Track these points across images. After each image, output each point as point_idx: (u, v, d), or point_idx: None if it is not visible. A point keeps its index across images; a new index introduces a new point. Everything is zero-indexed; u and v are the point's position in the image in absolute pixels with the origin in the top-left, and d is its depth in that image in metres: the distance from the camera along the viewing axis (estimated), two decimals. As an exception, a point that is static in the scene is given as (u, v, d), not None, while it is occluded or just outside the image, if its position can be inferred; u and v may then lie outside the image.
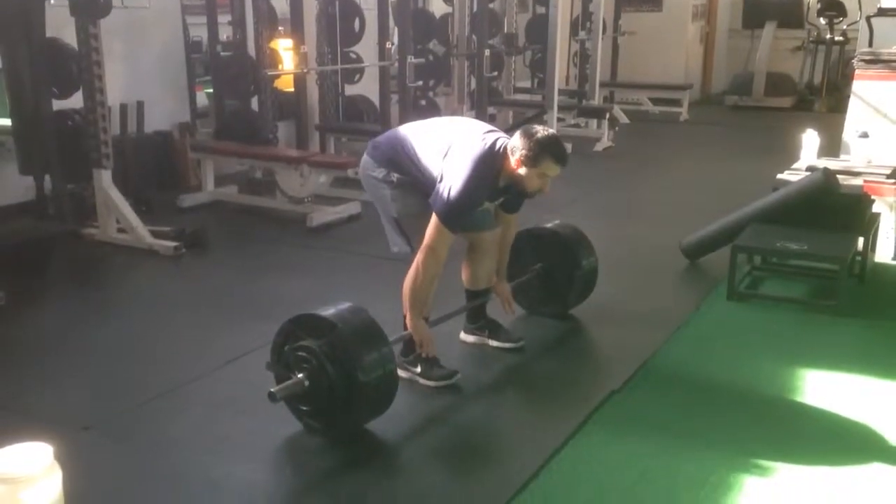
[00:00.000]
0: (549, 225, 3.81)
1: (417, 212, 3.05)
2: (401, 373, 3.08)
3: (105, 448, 2.76)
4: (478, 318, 3.50)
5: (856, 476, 2.59)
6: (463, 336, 3.53)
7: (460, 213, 2.93)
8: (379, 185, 3.14)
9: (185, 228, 4.96)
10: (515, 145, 2.90)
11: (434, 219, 2.92)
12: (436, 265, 2.95)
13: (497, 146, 2.95)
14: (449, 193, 2.88)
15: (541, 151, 2.87)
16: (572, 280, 3.69)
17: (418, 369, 3.14)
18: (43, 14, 4.82)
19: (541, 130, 2.92)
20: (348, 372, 2.61)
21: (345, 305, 2.77)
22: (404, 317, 3.13)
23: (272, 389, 2.64)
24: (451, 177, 2.90)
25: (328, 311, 2.71)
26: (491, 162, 2.92)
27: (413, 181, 3.06)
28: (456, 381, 3.13)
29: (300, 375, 2.66)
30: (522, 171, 2.91)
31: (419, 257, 2.96)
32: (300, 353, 2.67)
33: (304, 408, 2.74)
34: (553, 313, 3.77)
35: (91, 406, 3.04)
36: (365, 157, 3.22)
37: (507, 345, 3.46)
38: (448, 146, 2.96)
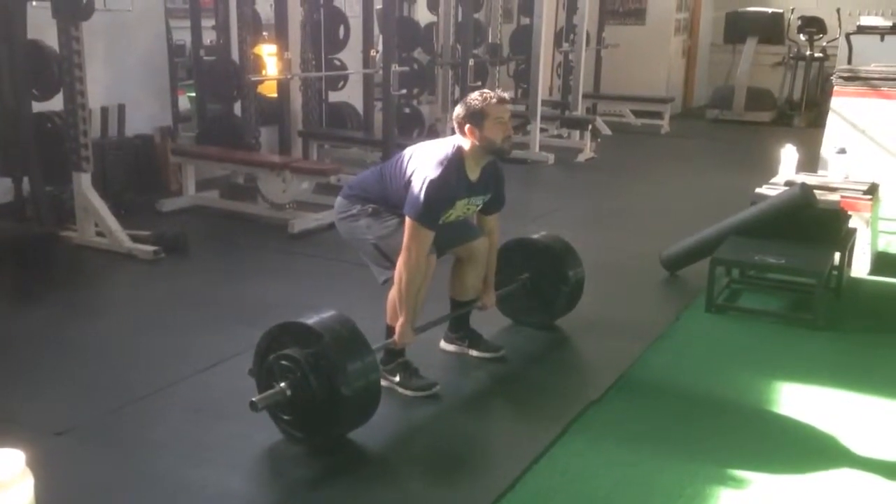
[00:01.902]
0: (536, 235, 3.82)
1: (393, 231, 3.05)
2: (382, 382, 3.08)
3: (79, 454, 2.73)
4: (460, 328, 3.50)
5: (830, 486, 2.62)
6: (443, 345, 3.53)
7: (433, 209, 2.92)
8: (353, 221, 3.16)
9: (165, 233, 4.93)
10: (459, 123, 3.00)
11: (408, 221, 2.92)
12: (416, 268, 2.94)
13: (453, 140, 3.04)
14: (419, 191, 2.90)
15: (478, 104, 2.96)
16: (559, 291, 3.70)
17: (397, 378, 3.13)
18: (24, 16, 4.79)
19: (468, 96, 3.04)
20: (332, 384, 2.59)
21: (331, 314, 2.75)
22: (387, 326, 3.13)
23: (254, 399, 2.63)
24: (418, 178, 2.93)
25: (314, 320, 2.69)
26: (453, 155, 2.98)
27: (386, 207, 3.10)
28: (435, 392, 3.12)
29: (283, 385, 2.64)
30: (478, 133, 2.96)
31: (399, 261, 2.97)
32: (284, 363, 2.65)
33: (286, 417, 2.72)
34: (538, 324, 3.77)
35: (65, 411, 3.00)
36: (338, 201, 3.25)
37: (487, 354, 3.47)
38: (414, 164, 3.01)
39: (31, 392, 3.15)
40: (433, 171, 2.92)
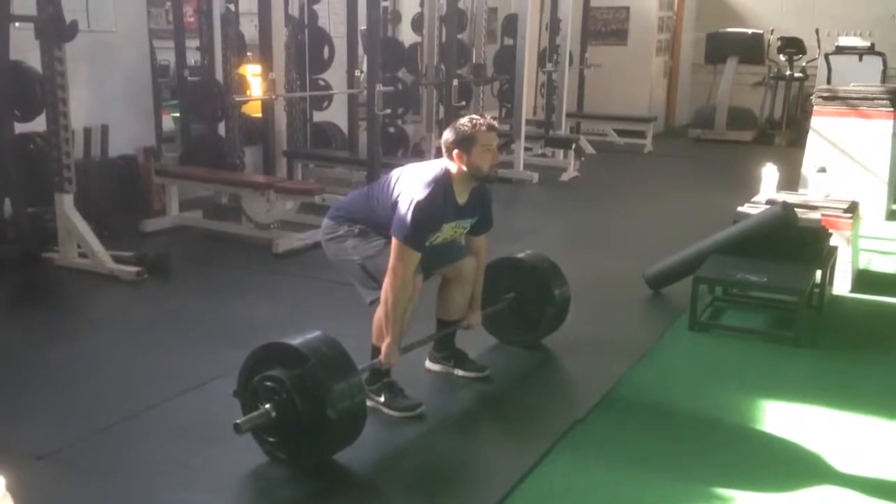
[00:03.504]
0: (522, 255, 3.83)
1: (379, 251, 3.06)
2: (367, 402, 3.08)
3: (60, 477, 2.70)
4: (445, 348, 3.50)
5: (814, 502, 2.63)
6: (428, 364, 3.52)
7: (420, 231, 2.93)
8: (340, 242, 3.17)
9: (147, 253, 4.91)
10: (448, 147, 3.02)
11: (395, 242, 2.93)
12: (402, 289, 2.94)
13: (440, 164, 3.06)
14: (406, 212, 2.91)
15: (468, 130, 2.99)
16: (544, 311, 3.70)
17: (382, 398, 3.12)
18: (7, 37, 4.78)
19: (458, 121, 3.06)
20: (318, 406, 2.58)
21: (316, 334, 2.73)
22: (372, 346, 3.13)
23: (238, 421, 2.61)
24: (405, 199, 2.94)
25: (300, 341, 2.67)
26: (440, 178, 3.00)
27: (373, 227, 3.10)
28: (420, 413, 3.11)
29: (267, 406, 2.62)
30: (466, 159, 2.99)
31: (385, 282, 2.97)
32: (268, 384, 2.63)
33: (271, 439, 2.70)
34: (523, 342, 3.77)
35: (47, 434, 2.97)
36: (325, 222, 3.25)
37: (472, 374, 3.46)
38: (401, 186, 3.02)
39: (11, 415, 3.12)
40: (421, 193, 2.93)
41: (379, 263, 3.03)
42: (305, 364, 2.60)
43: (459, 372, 3.46)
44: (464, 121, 3.05)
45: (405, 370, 3.21)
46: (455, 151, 2.99)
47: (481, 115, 3.14)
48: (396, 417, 3.10)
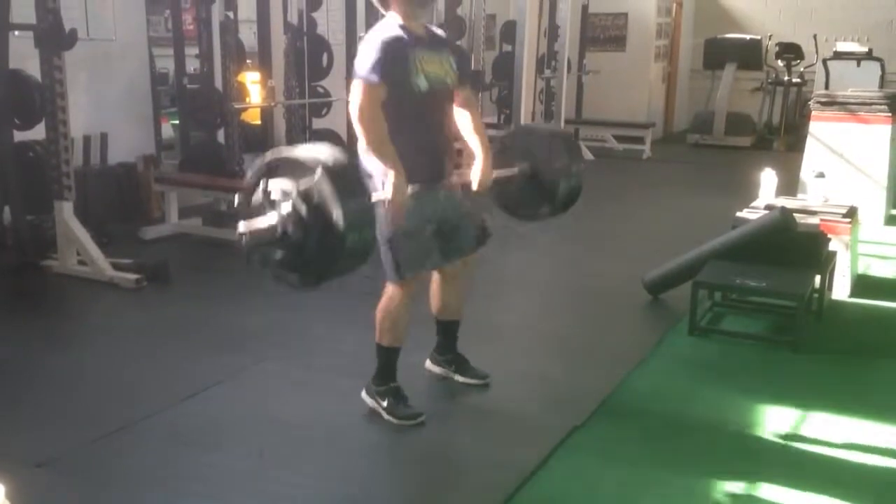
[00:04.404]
0: (539, 124, 3.70)
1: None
2: (368, 400, 3.12)
3: (59, 485, 2.70)
4: (447, 351, 3.49)
5: (814, 511, 2.62)
6: (429, 365, 3.51)
7: (378, 59, 2.78)
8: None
9: (147, 261, 4.91)
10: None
11: (354, 83, 2.82)
12: (372, 121, 2.78)
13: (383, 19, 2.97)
14: (361, 52, 2.83)
15: None
16: (558, 184, 3.48)
17: (385, 403, 3.12)
18: (6, 46, 4.79)
19: None
20: (325, 217, 2.39)
21: (323, 146, 2.55)
22: (377, 345, 3.10)
23: (241, 229, 2.47)
24: (360, 50, 2.87)
25: (306, 152, 2.51)
26: (383, 22, 2.93)
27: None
28: (420, 422, 3.08)
29: (273, 218, 2.45)
30: None
31: (358, 127, 2.81)
32: (273, 198, 2.46)
33: (276, 257, 2.54)
34: (536, 217, 3.58)
35: (46, 442, 2.96)
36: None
37: (473, 381, 3.45)
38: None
39: (10, 423, 3.12)
40: (369, 36, 2.89)
41: (409, 249, 2.91)
42: (311, 173, 2.41)
43: (459, 378, 3.46)
44: None
45: (405, 373, 3.20)
46: None
47: None
48: (396, 425, 3.09)
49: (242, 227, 2.45)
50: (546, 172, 3.48)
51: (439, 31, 3.17)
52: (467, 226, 3.18)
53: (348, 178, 2.47)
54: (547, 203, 3.52)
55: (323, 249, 2.44)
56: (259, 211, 2.49)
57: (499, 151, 3.38)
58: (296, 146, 2.55)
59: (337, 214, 2.37)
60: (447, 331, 3.45)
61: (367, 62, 2.80)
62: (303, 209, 2.40)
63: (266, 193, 2.47)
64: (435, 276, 3.33)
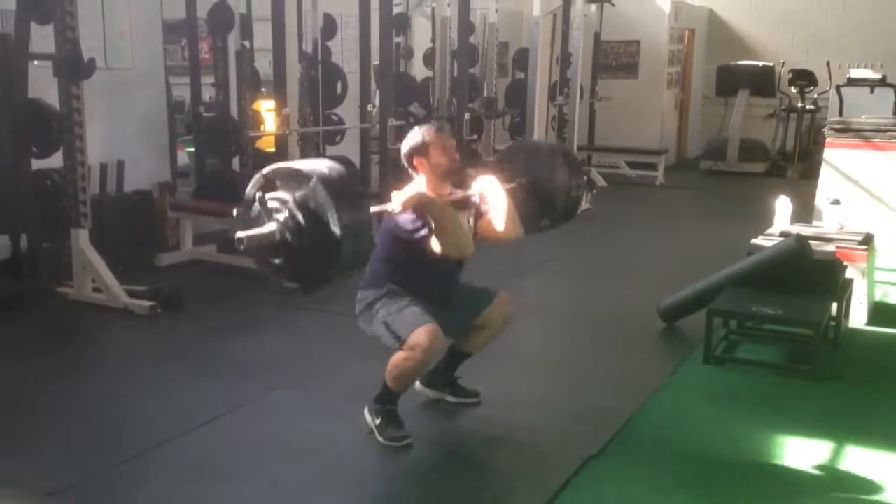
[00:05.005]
0: (540, 140, 3.75)
1: (404, 306, 3.06)
2: (367, 417, 3.17)
3: (72, 514, 2.70)
4: (445, 376, 3.49)
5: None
6: (420, 388, 3.47)
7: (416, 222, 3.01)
8: (369, 308, 3.14)
9: (161, 288, 4.93)
10: (408, 159, 3.14)
11: (424, 238, 3.00)
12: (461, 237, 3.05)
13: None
14: (397, 222, 3.01)
15: (418, 138, 3.12)
16: (557, 198, 3.59)
17: (378, 421, 3.14)
18: (26, 75, 4.86)
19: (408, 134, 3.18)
20: (321, 222, 2.49)
21: (320, 160, 2.72)
22: (383, 383, 3.11)
23: (240, 234, 2.52)
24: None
25: (303, 164, 2.62)
26: (415, 186, 3.12)
27: (397, 281, 3.12)
28: (405, 445, 3.09)
29: (272, 225, 2.53)
30: (426, 163, 3.11)
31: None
32: (272, 204, 2.54)
33: (276, 261, 2.61)
34: (537, 228, 3.66)
35: (59, 470, 2.96)
36: (357, 296, 3.21)
37: (466, 400, 3.48)
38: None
39: (23, 450, 3.12)
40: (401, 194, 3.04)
41: (403, 317, 3.03)
42: (308, 183, 2.51)
43: (452, 399, 3.48)
44: (413, 132, 3.18)
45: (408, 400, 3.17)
46: (414, 160, 3.12)
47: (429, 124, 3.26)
48: (382, 443, 3.11)
49: (240, 233, 2.52)
50: (547, 186, 3.59)
51: (462, 192, 3.29)
52: (468, 301, 3.27)
53: (344, 187, 2.56)
54: (548, 216, 3.64)
55: (320, 254, 2.51)
56: (258, 221, 2.56)
57: (498, 169, 3.50)
58: (294, 161, 2.61)
59: (333, 218, 2.45)
60: (456, 360, 3.45)
61: (409, 220, 3.01)
62: (299, 215, 2.48)
63: (263, 203, 2.55)
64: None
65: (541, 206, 3.60)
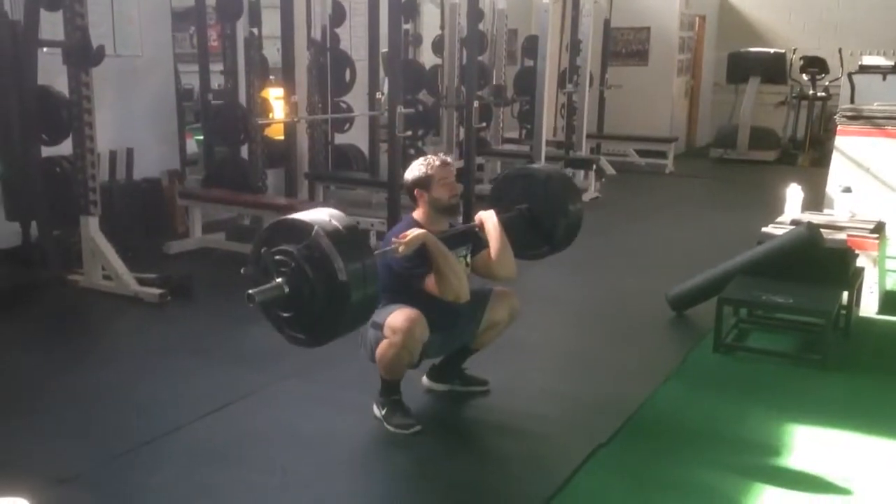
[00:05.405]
0: (537, 166, 3.76)
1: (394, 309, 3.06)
2: (375, 410, 3.20)
3: (82, 501, 2.71)
4: (451, 370, 3.50)
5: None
6: (428, 383, 3.51)
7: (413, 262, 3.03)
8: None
9: (171, 276, 4.94)
10: (409, 189, 3.18)
11: (422, 285, 3.02)
12: (459, 282, 3.05)
13: (405, 218, 3.24)
14: (395, 266, 3.03)
15: (422, 170, 3.15)
16: (557, 223, 3.60)
17: (384, 412, 3.16)
18: (35, 62, 4.85)
19: (413, 164, 3.22)
20: (328, 272, 2.51)
21: (319, 209, 2.72)
22: (381, 378, 3.14)
23: (250, 291, 2.54)
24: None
25: (304, 215, 2.64)
26: (407, 222, 3.17)
27: (395, 292, 3.11)
28: (414, 432, 3.11)
29: (279, 280, 2.57)
30: (427, 196, 3.14)
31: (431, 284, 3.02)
32: (278, 258, 2.57)
33: (285, 314, 2.64)
34: (537, 255, 3.68)
35: (69, 457, 2.98)
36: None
37: (475, 388, 3.50)
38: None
39: (35, 438, 3.14)
40: (398, 227, 3.11)
41: (386, 311, 3.03)
42: (310, 234, 2.54)
43: (462, 388, 3.50)
44: (418, 162, 3.20)
45: (411, 386, 3.18)
46: (415, 191, 3.16)
47: (435, 154, 3.29)
48: (391, 431, 3.13)
49: (251, 290, 2.55)
50: (545, 213, 3.61)
51: (461, 228, 3.34)
52: (467, 313, 3.27)
53: (346, 235, 2.60)
54: (549, 242, 3.66)
55: (329, 303, 2.55)
56: (266, 277, 2.61)
57: (494, 197, 3.58)
58: (294, 213, 2.69)
59: (339, 266, 2.50)
60: (463, 355, 3.46)
61: (407, 264, 3.03)
62: (305, 266, 2.53)
63: (270, 256, 2.59)
64: None
65: (542, 233, 3.65)
